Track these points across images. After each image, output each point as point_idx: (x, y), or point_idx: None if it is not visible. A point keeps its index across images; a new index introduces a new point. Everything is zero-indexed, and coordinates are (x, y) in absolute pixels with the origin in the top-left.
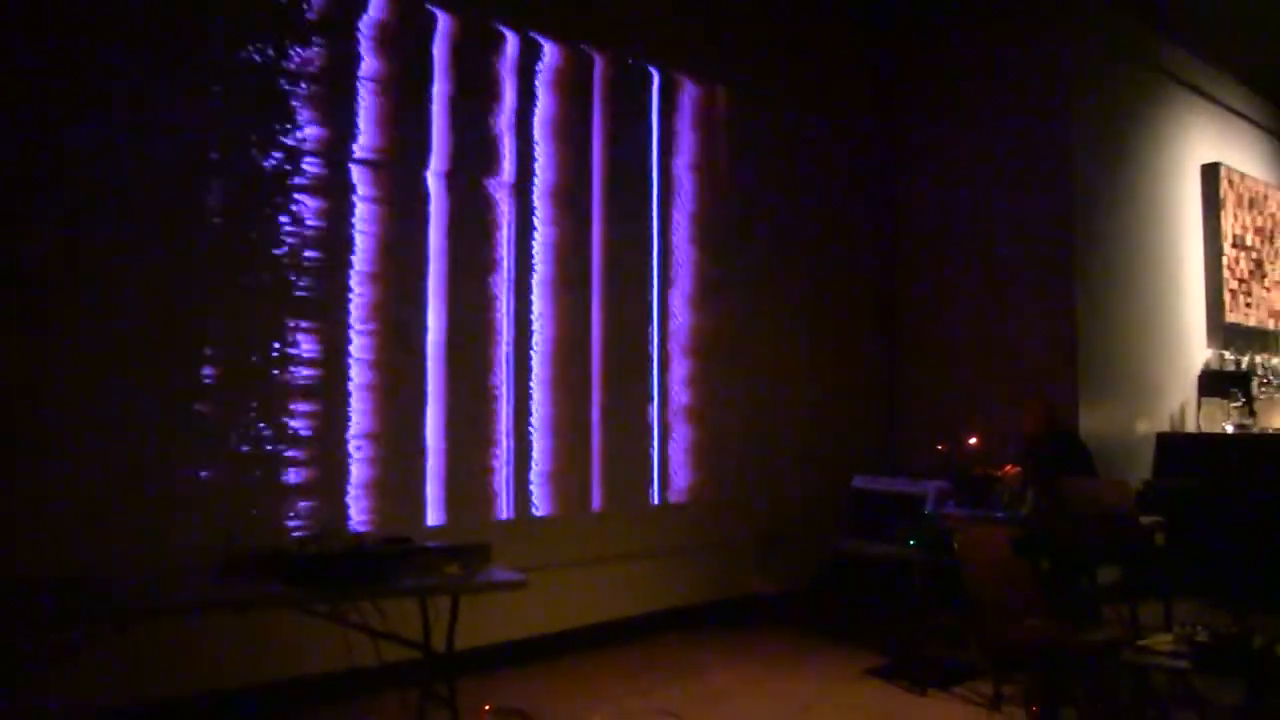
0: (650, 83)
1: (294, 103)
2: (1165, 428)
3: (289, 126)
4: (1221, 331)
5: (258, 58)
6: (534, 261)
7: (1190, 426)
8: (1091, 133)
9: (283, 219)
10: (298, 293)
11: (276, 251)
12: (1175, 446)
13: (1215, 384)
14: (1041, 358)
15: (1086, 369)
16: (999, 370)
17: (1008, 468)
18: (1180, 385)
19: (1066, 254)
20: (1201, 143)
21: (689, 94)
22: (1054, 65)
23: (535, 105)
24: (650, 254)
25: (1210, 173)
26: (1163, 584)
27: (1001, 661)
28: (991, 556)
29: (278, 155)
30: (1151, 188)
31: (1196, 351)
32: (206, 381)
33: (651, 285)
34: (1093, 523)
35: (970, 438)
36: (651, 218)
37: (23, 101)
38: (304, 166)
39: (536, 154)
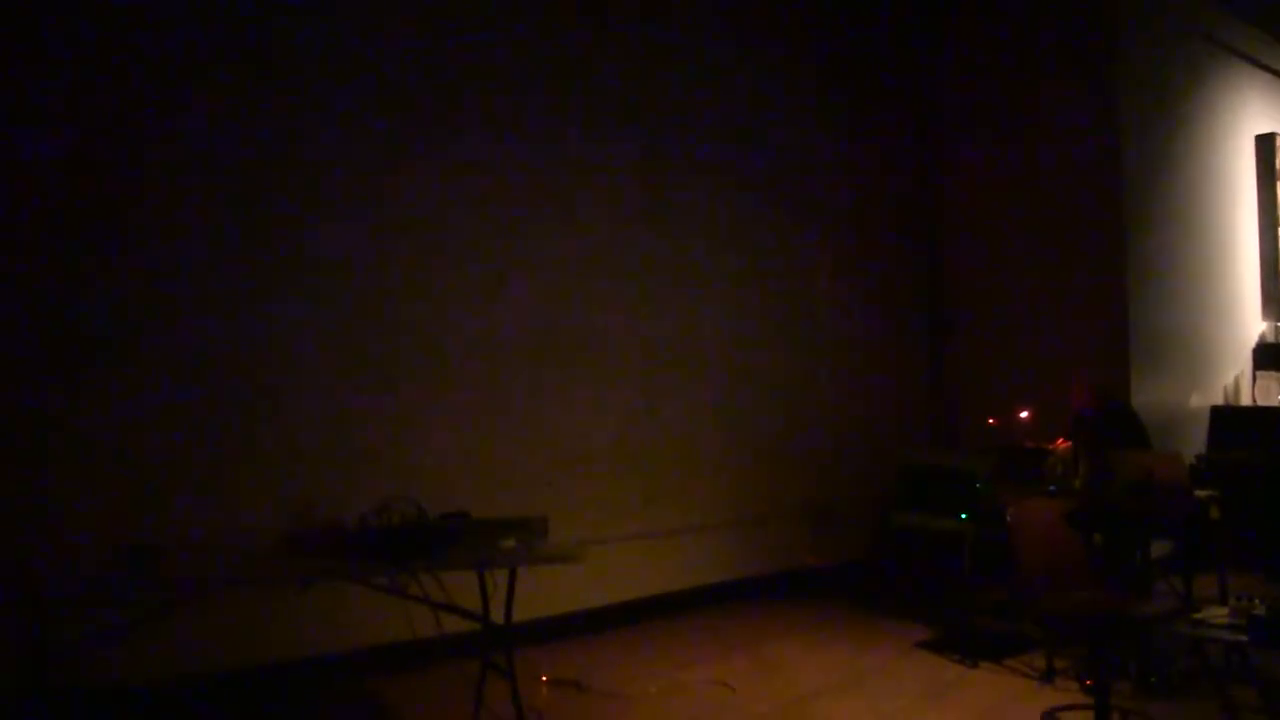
0: None
1: None
2: (1219, 401)
3: None
4: (1276, 304)
5: None
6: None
7: (1245, 400)
8: (1142, 103)
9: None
10: (366, 276)
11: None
12: (1229, 420)
13: (1270, 357)
14: (1092, 331)
15: (1138, 342)
16: (1049, 343)
17: (1059, 441)
18: (1234, 358)
19: (1117, 227)
20: (1257, 113)
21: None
22: (1103, 37)
23: None
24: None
25: (1265, 143)
26: (1217, 557)
27: (1053, 634)
28: (1043, 529)
29: None
30: (1204, 159)
31: (1251, 324)
32: (273, 357)
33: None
34: (1146, 495)
35: (1021, 411)
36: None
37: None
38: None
39: None
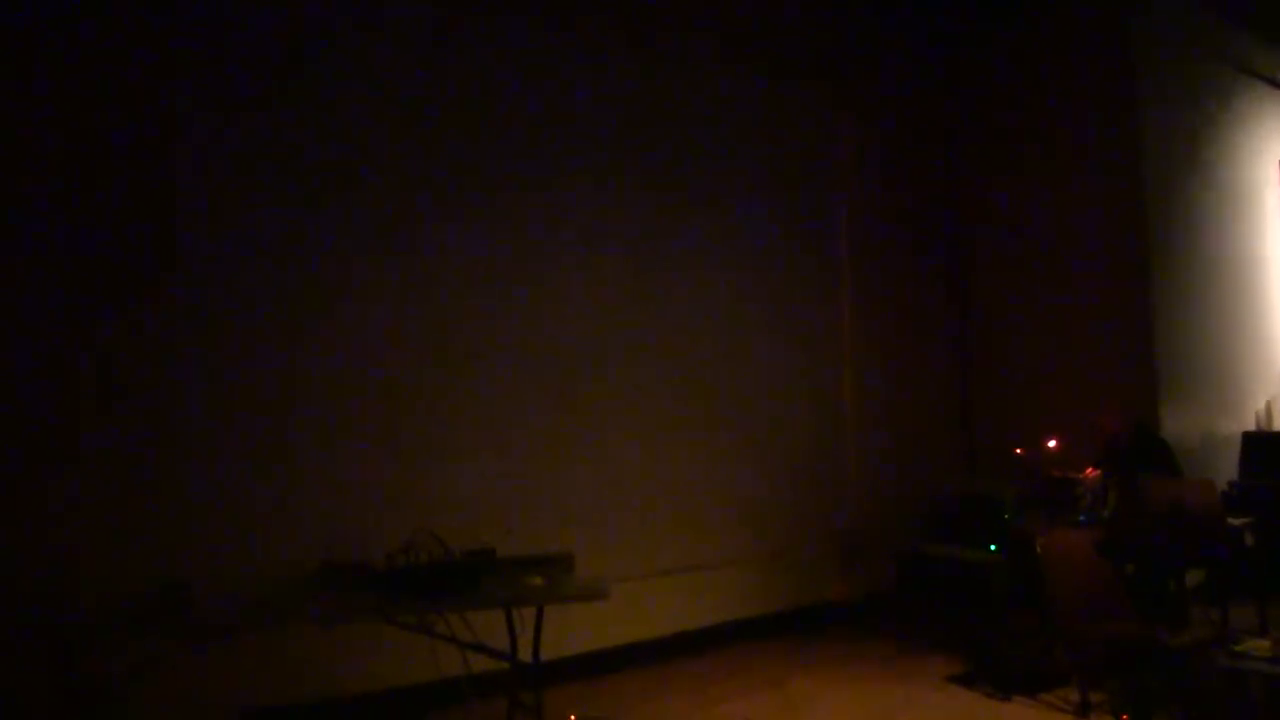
0: None
1: None
2: (1250, 427)
3: None
4: None
5: None
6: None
7: (1278, 425)
8: (1164, 128)
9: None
10: (395, 316)
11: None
12: (1262, 446)
13: None
14: (1121, 359)
15: (1166, 369)
16: (1076, 372)
17: (1088, 470)
18: (1265, 383)
19: (1142, 253)
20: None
21: None
22: (1123, 63)
23: None
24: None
25: None
26: (1255, 586)
27: (1088, 666)
28: (1074, 559)
29: None
30: (1229, 183)
31: None
32: (301, 396)
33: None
34: (1179, 523)
35: (1048, 441)
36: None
37: None
38: None
39: None
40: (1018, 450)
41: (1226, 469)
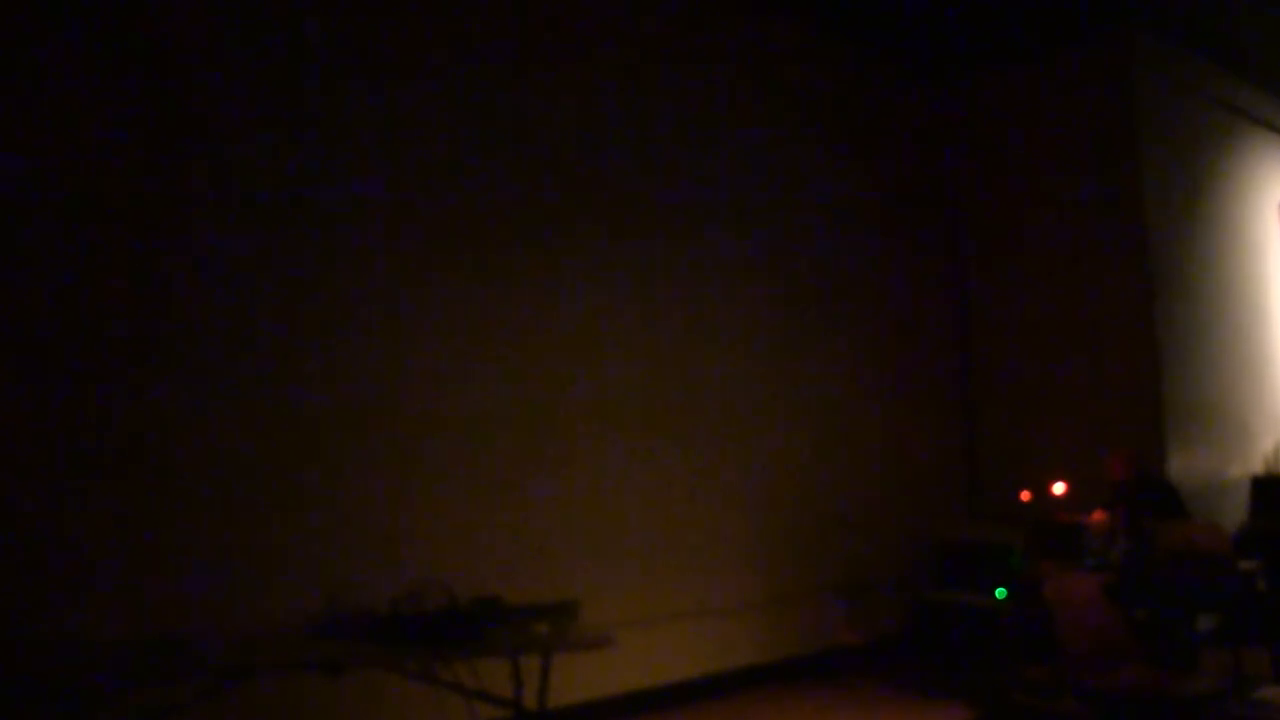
0: None
1: None
2: (1258, 470)
3: None
4: None
5: None
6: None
7: None
8: (1164, 175)
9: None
10: (394, 361)
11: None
12: (1271, 489)
13: None
14: (1126, 403)
15: (1172, 412)
16: (1081, 416)
17: (1095, 514)
18: (1272, 426)
19: (1145, 297)
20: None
21: None
22: (1122, 109)
23: None
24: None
25: None
26: (1267, 631)
27: (1099, 712)
28: (1083, 604)
29: None
30: (1231, 227)
31: None
32: (299, 441)
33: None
34: (1189, 567)
35: (1054, 485)
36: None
37: None
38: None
39: None
40: (1024, 494)
41: (1234, 512)
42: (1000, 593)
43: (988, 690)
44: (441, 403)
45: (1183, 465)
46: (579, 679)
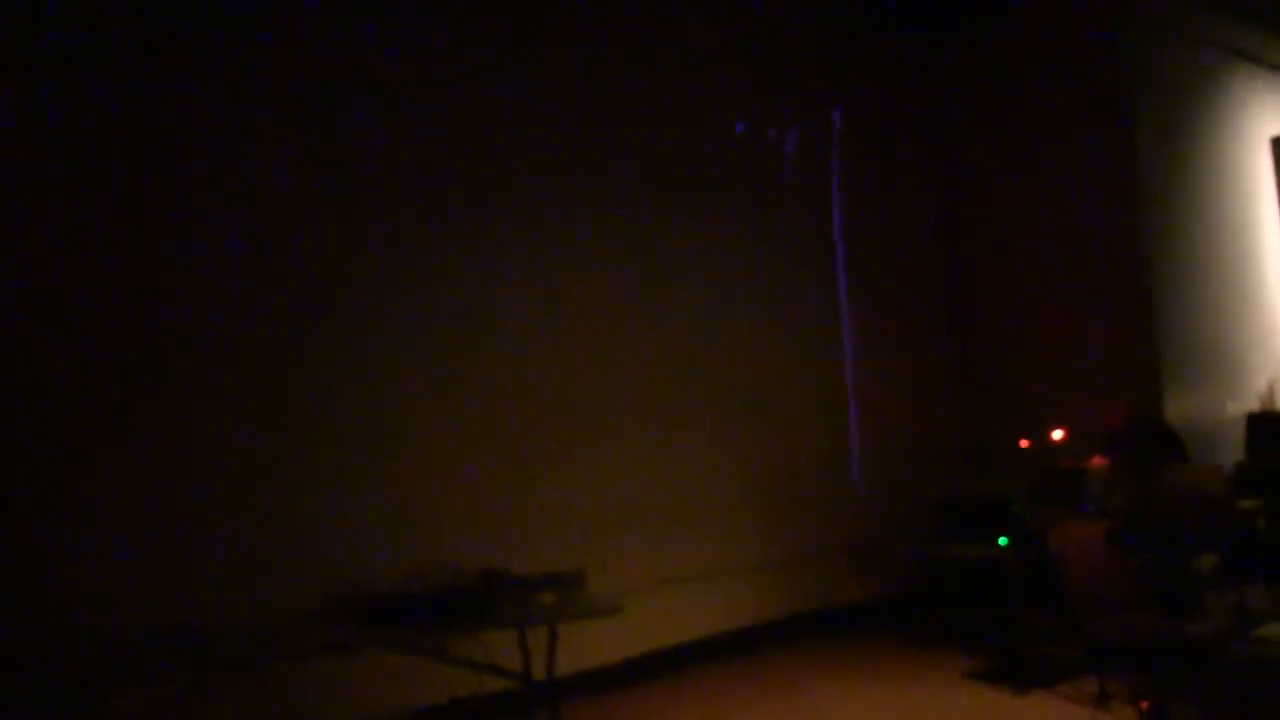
0: None
1: None
2: (1254, 408)
3: None
4: None
5: None
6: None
7: None
8: (1154, 116)
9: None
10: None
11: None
12: (1267, 427)
13: None
14: (1122, 346)
15: (1167, 353)
16: (1079, 361)
17: (1095, 460)
18: (1266, 363)
19: (1138, 239)
20: (1270, 115)
21: None
22: (1110, 51)
23: None
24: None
25: None
26: (1268, 569)
27: (1105, 657)
28: (1086, 551)
29: None
30: (1222, 165)
31: None
32: (314, 426)
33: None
34: (1189, 509)
35: (1054, 432)
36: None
37: None
38: None
39: None
40: (1023, 442)
41: (1232, 451)
42: (1002, 540)
43: (994, 640)
44: (450, 381)
45: (1179, 404)
46: (587, 645)
